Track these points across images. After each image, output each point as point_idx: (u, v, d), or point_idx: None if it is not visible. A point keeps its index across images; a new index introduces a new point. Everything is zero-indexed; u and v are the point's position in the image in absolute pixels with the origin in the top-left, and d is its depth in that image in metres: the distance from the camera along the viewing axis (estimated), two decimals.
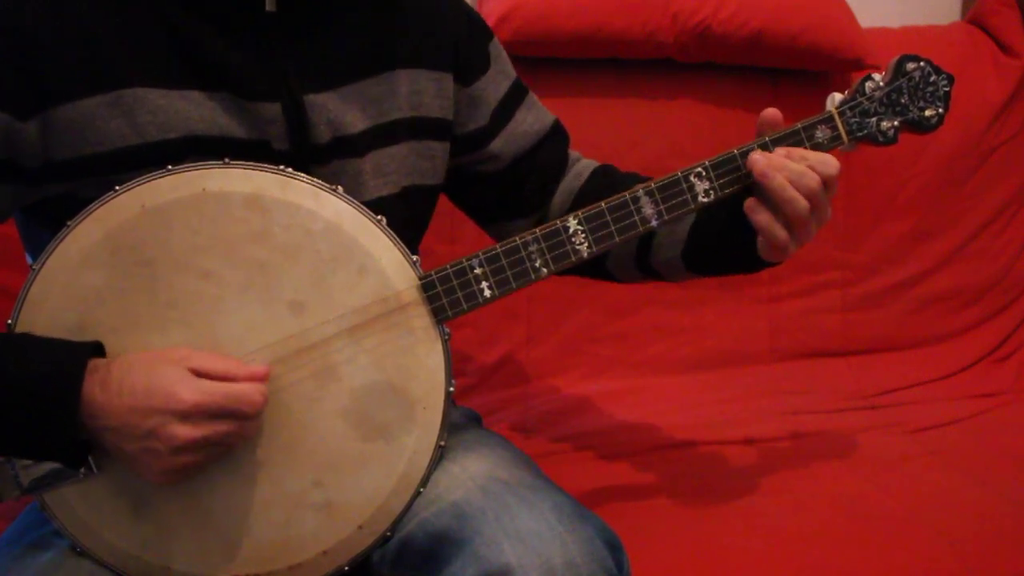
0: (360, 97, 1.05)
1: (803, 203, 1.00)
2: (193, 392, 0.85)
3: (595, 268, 1.21)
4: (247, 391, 0.88)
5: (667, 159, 1.80)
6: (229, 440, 0.89)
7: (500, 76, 1.19)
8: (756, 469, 1.48)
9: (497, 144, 1.18)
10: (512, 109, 1.20)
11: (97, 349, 0.90)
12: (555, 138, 1.24)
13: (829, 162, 1.02)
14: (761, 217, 1.02)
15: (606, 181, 1.21)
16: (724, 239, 1.10)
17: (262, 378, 0.90)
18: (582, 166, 1.25)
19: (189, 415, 0.85)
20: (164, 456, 0.86)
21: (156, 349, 0.91)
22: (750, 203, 1.03)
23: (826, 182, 1.02)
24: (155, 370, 0.87)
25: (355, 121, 1.04)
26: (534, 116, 1.22)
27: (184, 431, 0.85)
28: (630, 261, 1.18)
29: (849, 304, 1.91)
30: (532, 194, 1.21)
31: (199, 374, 0.87)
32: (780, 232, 1.02)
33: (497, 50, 1.20)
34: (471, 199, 1.23)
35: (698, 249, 1.12)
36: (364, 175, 1.05)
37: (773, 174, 1.00)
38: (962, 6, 2.18)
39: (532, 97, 1.23)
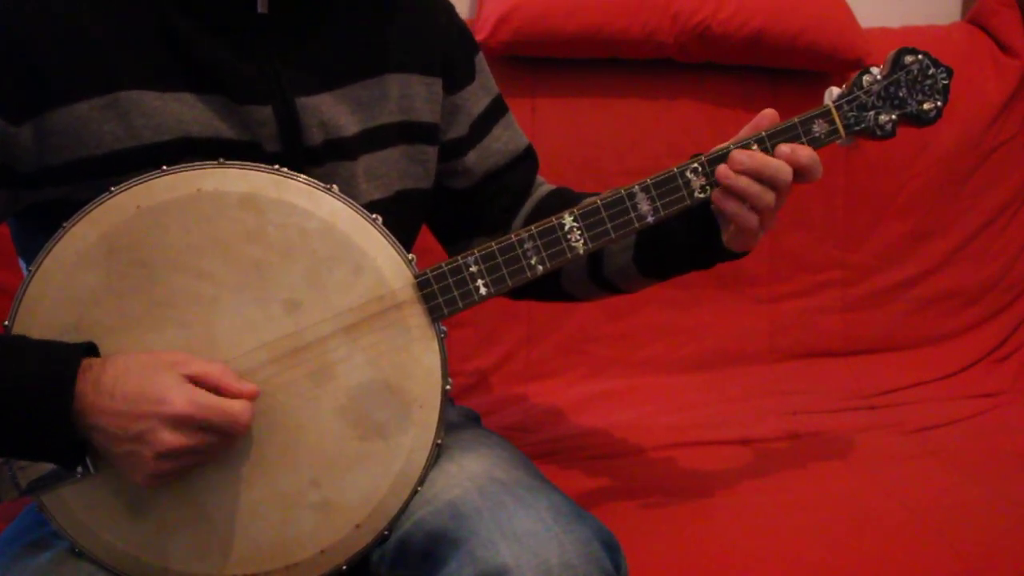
0: (352, 100, 1.05)
1: (769, 196, 1.02)
2: (186, 402, 0.85)
3: (551, 289, 1.21)
4: (236, 409, 0.88)
5: (667, 159, 1.79)
6: (212, 451, 0.89)
7: (482, 90, 1.19)
8: (755, 469, 1.48)
9: (471, 157, 1.18)
10: (490, 124, 1.20)
11: (90, 349, 0.90)
12: (526, 161, 1.24)
13: (814, 165, 1.04)
14: (730, 205, 1.02)
15: (560, 198, 1.21)
16: (678, 235, 1.10)
17: (252, 397, 0.90)
18: (543, 189, 1.25)
19: (178, 423, 0.85)
20: (148, 460, 0.86)
21: (153, 350, 0.91)
22: (717, 194, 1.03)
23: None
24: (149, 375, 0.87)
25: (347, 124, 1.04)
26: (509, 135, 1.22)
27: (171, 438, 0.85)
28: (583, 274, 1.17)
29: (849, 304, 1.91)
30: (497, 214, 1.21)
31: (194, 379, 0.87)
32: (752, 217, 1.02)
33: (482, 64, 1.20)
34: (437, 214, 1.21)
35: (650, 250, 1.12)
36: (357, 178, 1.05)
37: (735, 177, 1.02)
38: (962, 6, 2.17)
39: (511, 117, 1.24)
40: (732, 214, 1.02)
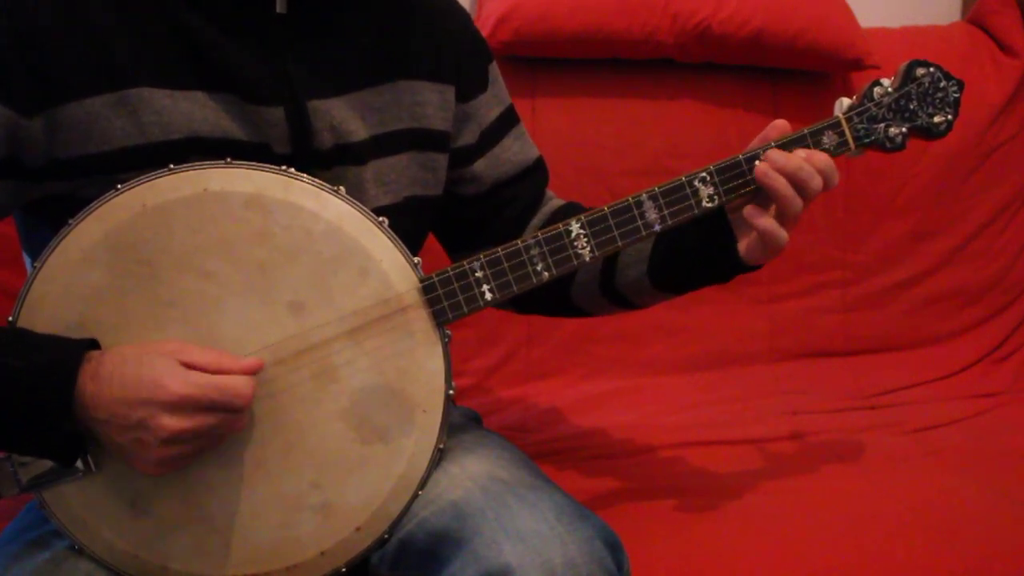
0: (363, 105, 1.05)
1: (799, 202, 1.02)
2: (182, 384, 0.85)
3: (560, 303, 1.21)
4: (236, 384, 0.87)
5: (667, 159, 1.80)
6: (219, 432, 0.89)
7: (494, 100, 1.19)
8: (756, 469, 1.48)
9: (480, 165, 1.18)
10: (501, 134, 1.20)
11: (92, 345, 0.90)
12: (536, 173, 1.24)
13: (832, 172, 1.04)
14: (764, 221, 1.02)
15: (570, 213, 1.20)
16: (694, 248, 1.09)
17: (253, 371, 0.90)
18: (554, 203, 1.25)
19: (177, 407, 0.85)
20: (154, 447, 0.86)
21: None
22: (750, 210, 1.03)
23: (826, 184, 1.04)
24: (145, 362, 0.87)
25: (357, 129, 1.04)
26: (520, 146, 1.22)
27: (172, 422, 0.85)
28: (595, 287, 1.17)
29: (849, 304, 1.91)
30: (504, 224, 1.20)
31: (190, 367, 0.87)
32: (783, 233, 1.02)
33: (495, 74, 1.20)
34: (445, 221, 1.21)
35: (665, 263, 1.11)
36: (365, 183, 1.05)
37: (775, 176, 1.01)
38: (962, 6, 2.18)
39: (522, 128, 1.23)
40: (764, 229, 1.02)
